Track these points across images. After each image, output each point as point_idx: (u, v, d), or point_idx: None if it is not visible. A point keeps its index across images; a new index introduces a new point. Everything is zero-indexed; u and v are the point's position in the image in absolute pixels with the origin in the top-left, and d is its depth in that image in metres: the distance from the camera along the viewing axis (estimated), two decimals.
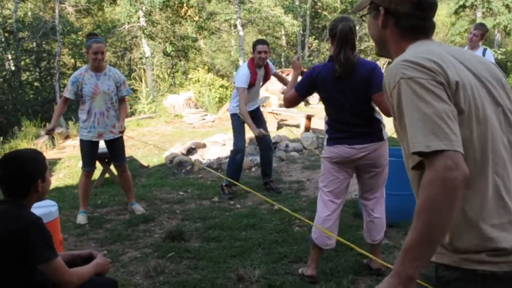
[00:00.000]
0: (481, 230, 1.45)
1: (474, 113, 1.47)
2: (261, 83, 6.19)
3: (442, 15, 32.61)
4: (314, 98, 13.76)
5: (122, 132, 5.38)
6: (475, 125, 1.47)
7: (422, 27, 1.67)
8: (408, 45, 1.65)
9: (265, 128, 6.30)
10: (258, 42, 5.94)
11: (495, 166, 1.48)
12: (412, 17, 1.64)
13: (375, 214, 3.82)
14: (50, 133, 5.46)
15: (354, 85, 3.51)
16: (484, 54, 6.63)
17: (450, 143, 1.35)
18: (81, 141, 5.32)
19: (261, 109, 6.49)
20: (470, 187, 1.45)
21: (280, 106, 11.81)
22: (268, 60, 6.06)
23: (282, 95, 3.97)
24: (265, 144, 6.27)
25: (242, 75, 5.83)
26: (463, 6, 28.00)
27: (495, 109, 1.53)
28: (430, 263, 1.54)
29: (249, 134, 6.42)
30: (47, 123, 11.51)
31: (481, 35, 6.64)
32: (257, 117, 6.22)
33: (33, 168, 2.44)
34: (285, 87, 3.99)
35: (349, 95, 3.53)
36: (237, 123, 6.09)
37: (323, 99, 3.74)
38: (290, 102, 3.82)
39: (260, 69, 5.95)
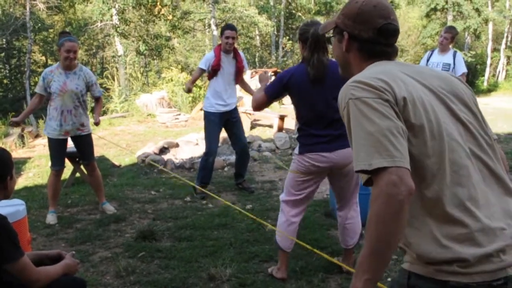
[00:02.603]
0: (440, 241, 1.46)
1: (427, 126, 1.50)
2: (232, 73, 6.01)
3: (413, 18, 33.15)
4: (288, 98, 13.76)
5: (97, 124, 5.46)
6: (429, 138, 1.50)
7: (384, 52, 1.73)
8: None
9: (243, 135, 6.27)
10: (227, 27, 5.90)
11: (457, 176, 1.49)
12: (374, 43, 1.71)
13: (347, 220, 3.82)
14: (14, 124, 5.32)
15: (330, 85, 3.50)
16: (454, 56, 6.76)
17: (392, 160, 1.38)
18: (49, 139, 5.24)
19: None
20: (428, 199, 1.48)
21: None
22: (241, 51, 6.05)
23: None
24: (241, 149, 6.24)
25: (205, 57, 6.04)
26: (434, 9, 28.58)
27: (454, 122, 1.57)
28: (402, 271, 1.56)
29: (223, 134, 6.38)
30: None
31: (451, 38, 6.76)
32: (234, 122, 6.16)
33: (2, 166, 2.41)
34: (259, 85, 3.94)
35: (327, 95, 3.52)
36: (211, 124, 5.99)
37: (297, 102, 3.68)
38: (259, 104, 3.76)
39: (228, 56, 5.91)
